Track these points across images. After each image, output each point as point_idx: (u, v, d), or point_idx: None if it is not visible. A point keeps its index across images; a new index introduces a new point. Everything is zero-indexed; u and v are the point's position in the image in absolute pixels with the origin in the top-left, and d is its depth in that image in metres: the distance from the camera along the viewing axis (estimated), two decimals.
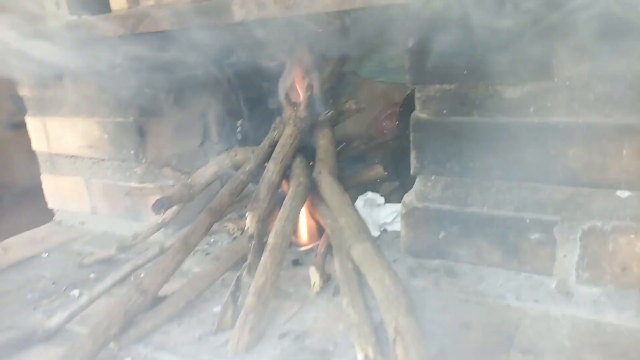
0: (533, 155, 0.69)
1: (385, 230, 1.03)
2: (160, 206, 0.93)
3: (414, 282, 0.83)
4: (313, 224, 0.95)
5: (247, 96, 1.23)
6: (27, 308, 0.90)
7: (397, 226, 1.02)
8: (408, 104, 1.03)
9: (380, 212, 1.01)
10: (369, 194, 1.01)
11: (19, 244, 1.23)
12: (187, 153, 1.23)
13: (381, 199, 1.00)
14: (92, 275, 1.01)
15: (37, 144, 1.31)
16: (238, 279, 0.82)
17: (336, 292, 0.84)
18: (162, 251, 0.88)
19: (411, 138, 0.77)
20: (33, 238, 1.27)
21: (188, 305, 0.81)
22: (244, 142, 1.28)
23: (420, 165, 0.78)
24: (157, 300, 0.79)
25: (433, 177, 0.77)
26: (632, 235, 0.64)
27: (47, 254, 1.15)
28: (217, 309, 0.82)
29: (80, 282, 0.98)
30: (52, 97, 1.22)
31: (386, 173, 1.05)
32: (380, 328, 0.68)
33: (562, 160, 0.67)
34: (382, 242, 0.99)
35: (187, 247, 0.81)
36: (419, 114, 0.76)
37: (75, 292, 0.94)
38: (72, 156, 1.25)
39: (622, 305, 0.68)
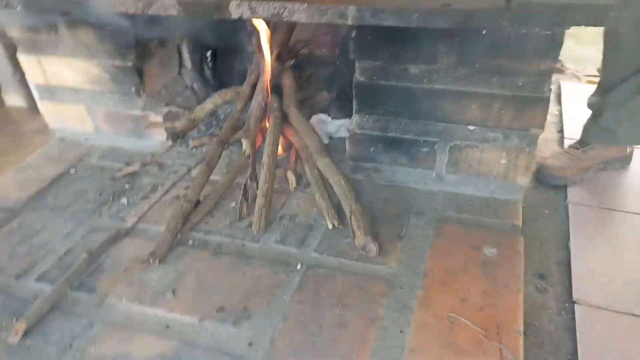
0: (425, 106, 1.16)
1: (332, 138, 1.50)
2: (175, 136, 1.31)
3: (354, 176, 1.33)
4: (284, 140, 1.39)
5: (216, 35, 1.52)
6: (93, 215, 1.29)
7: (340, 134, 1.50)
8: (344, 47, 1.42)
9: (328, 126, 1.47)
10: (321, 115, 1.45)
11: (42, 162, 1.54)
12: (170, 82, 1.54)
13: (329, 118, 1.45)
14: (126, 186, 1.38)
15: (33, 77, 1.53)
16: (245, 185, 1.27)
17: (306, 186, 1.33)
18: (189, 170, 1.29)
19: (353, 92, 1.20)
20: (50, 155, 1.58)
21: (215, 204, 1.26)
22: (213, 67, 1.61)
23: (359, 108, 1.23)
24: (197, 204, 1.23)
25: (367, 116, 1.23)
26: (475, 149, 1.17)
27: (74, 170, 1.49)
28: (233, 204, 1.28)
29: (121, 192, 1.36)
30: (45, 40, 1.42)
31: (329, 97, 1.49)
32: (339, 211, 1.19)
33: (441, 109, 1.15)
34: (330, 147, 1.45)
35: (210, 168, 1.23)
36: (359, 77, 1.18)
37: (124, 200, 1.33)
38: (72, 88, 1.51)
39: (468, 183, 1.24)
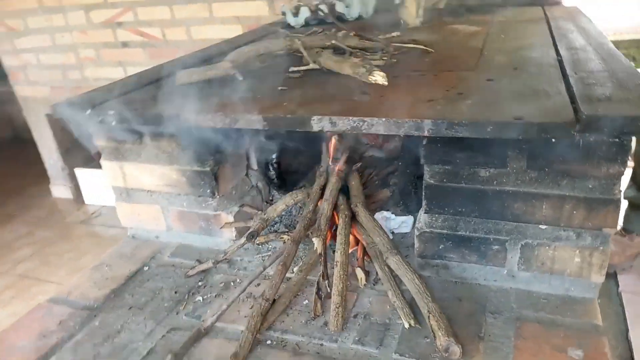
0: (495, 206, 1.20)
1: (394, 232, 1.55)
2: (251, 236, 1.38)
3: (422, 272, 1.36)
4: (352, 237, 1.44)
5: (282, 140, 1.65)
6: (171, 313, 1.33)
7: (402, 230, 1.55)
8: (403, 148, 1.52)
9: (391, 223, 1.52)
10: (384, 213, 1.51)
11: (116, 260, 1.62)
12: (239, 183, 1.65)
13: (392, 215, 1.51)
14: (200, 283, 1.44)
15: (114, 180, 1.65)
16: (318, 283, 1.31)
17: (375, 283, 1.36)
18: (264, 268, 1.34)
19: (423, 193, 1.26)
20: (122, 254, 1.66)
21: (290, 302, 1.29)
22: (277, 169, 1.72)
23: (429, 208, 1.28)
24: (273, 302, 1.26)
25: (436, 215, 1.28)
26: (547, 247, 1.20)
27: (147, 267, 1.56)
28: (306, 302, 1.31)
29: (195, 289, 1.41)
30: (129, 148, 1.56)
31: (390, 194, 1.56)
32: (413, 309, 1.20)
33: (511, 208, 1.19)
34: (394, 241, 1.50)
35: (286, 268, 1.28)
36: (429, 180, 1.25)
37: (199, 297, 1.38)
38: (149, 191, 1.62)
39: (541, 281, 1.25)
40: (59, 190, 4.11)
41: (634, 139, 1.04)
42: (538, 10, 2.18)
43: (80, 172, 3.94)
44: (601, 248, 1.16)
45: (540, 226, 1.19)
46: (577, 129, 0.98)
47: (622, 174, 1.07)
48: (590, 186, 1.11)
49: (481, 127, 1.03)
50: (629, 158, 1.69)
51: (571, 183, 1.12)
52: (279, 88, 1.42)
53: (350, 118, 1.13)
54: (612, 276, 1.66)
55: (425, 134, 1.08)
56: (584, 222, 1.15)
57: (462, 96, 1.19)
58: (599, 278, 1.19)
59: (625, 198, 1.67)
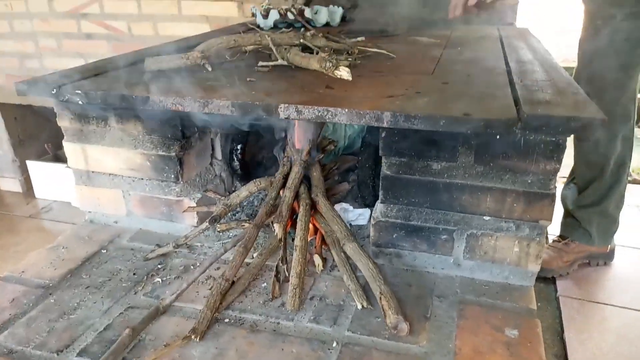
0: (445, 197, 1.30)
1: (351, 224, 1.62)
2: (213, 220, 1.42)
3: (376, 260, 1.43)
4: (310, 226, 1.50)
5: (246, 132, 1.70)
6: (129, 292, 1.34)
7: (359, 222, 1.62)
8: (363, 144, 1.61)
9: (349, 215, 1.60)
10: (343, 204, 1.58)
11: (72, 242, 1.60)
12: (203, 171, 1.68)
13: (350, 207, 1.58)
14: (159, 266, 1.46)
15: (75, 163, 1.65)
16: (277, 267, 1.36)
17: (331, 269, 1.42)
18: (225, 250, 1.37)
19: (380, 184, 1.34)
20: (79, 236, 1.64)
21: (249, 284, 1.33)
22: (241, 160, 1.77)
23: (384, 198, 1.36)
24: (232, 283, 1.30)
25: (391, 205, 1.36)
26: (490, 237, 1.30)
27: (105, 251, 1.56)
28: (264, 285, 1.36)
29: (154, 271, 1.43)
30: (94, 130, 1.57)
31: (350, 188, 1.63)
32: (366, 292, 1.27)
33: (459, 200, 1.29)
34: None
35: (247, 250, 1.33)
36: (386, 171, 1.33)
37: (158, 279, 1.40)
38: (111, 174, 1.62)
39: (483, 269, 1.35)
40: (8, 183, 3.96)
41: (568, 139, 1.16)
42: (493, 29, 2.34)
43: (33, 165, 3.83)
44: (537, 239, 1.27)
45: (484, 217, 1.29)
46: (518, 126, 1.09)
47: (558, 170, 1.19)
48: (529, 181, 1.22)
49: (435, 121, 1.12)
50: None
51: (512, 178, 1.23)
52: (248, 79, 1.47)
53: (316, 107, 1.20)
54: (551, 281, 1.80)
55: (385, 125, 1.16)
56: (523, 214, 1.26)
57: (419, 95, 1.28)
58: (534, 267, 1.31)
59: (562, 200, 1.80)
